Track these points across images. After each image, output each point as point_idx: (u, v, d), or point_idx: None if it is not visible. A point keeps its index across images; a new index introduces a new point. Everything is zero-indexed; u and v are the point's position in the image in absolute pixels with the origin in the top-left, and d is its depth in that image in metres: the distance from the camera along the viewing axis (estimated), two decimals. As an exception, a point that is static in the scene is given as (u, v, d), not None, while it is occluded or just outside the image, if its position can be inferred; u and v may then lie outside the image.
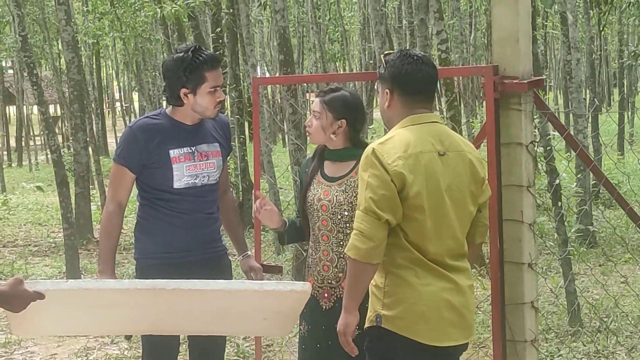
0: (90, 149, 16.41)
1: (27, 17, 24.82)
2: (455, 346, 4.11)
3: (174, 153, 4.98)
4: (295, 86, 13.68)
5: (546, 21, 24.09)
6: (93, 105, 27.15)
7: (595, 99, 20.13)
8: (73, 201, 12.62)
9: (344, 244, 4.50)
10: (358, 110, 4.79)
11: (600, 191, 13.81)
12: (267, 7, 22.13)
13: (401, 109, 4.13)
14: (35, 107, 36.02)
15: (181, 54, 4.95)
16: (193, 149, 5.04)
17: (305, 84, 24.57)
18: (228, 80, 15.51)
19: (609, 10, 19.47)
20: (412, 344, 4.00)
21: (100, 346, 8.40)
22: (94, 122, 25.60)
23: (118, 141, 5.20)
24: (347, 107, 4.76)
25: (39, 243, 14.82)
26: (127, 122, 43.16)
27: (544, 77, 5.53)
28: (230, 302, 4.19)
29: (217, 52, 15.11)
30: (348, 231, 4.52)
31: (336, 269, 4.67)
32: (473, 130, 19.50)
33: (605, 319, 8.29)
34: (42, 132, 34.21)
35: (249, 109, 16.88)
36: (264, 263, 5.69)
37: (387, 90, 4.15)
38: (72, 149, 15.13)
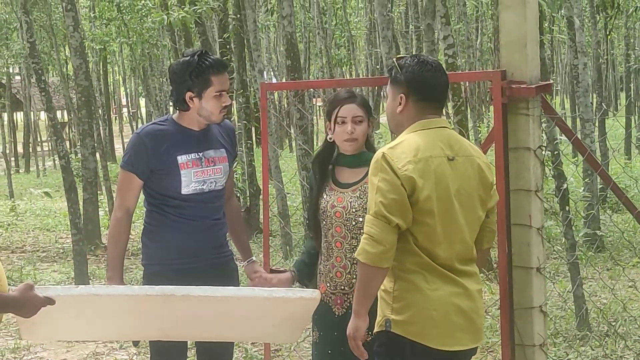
0: (98, 155, 16.44)
1: (35, 24, 24.88)
2: (465, 350, 4.12)
3: (181, 159, 4.99)
4: (302, 91, 13.70)
5: (553, 26, 24.08)
6: (100, 111, 27.17)
7: (602, 103, 20.12)
8: (81, 207, 12.64)
9: (358, 250, 4.51)
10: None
11: (608, 195, 13.82)
12: (274, 12, 22.19)
13: (414, 114, 4.14)
14: (42, 113, 36.09)
15: (187, 58, 4.97)
16: (200, 154, 5.04)
17: (312, 89, 24.58)
18: (235, 86, 15.54)
19: (616, 15, 19.47)
20: (422, 348, 4.00)
21: (109, 351, 8.41)
22: (101, 128, 25.60)
23: (125, 147, 5.20)
24: (369, 106, 4.79)
25: (47, 249, 14.84)
26: (134, 127, 43.22)
27: (552, 81, 5.52)
28: (239, 308, 4.20)
29: (225, 58, 15.15)
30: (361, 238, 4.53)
31: (349, 276, 4.67)
32: (480, 135, 19.51)
33: (613, 323, 8.28)
34: (49, 138, 34.30)
35: (256, 114, 16.93)
36: (273, 268, 5.69)
37: (402, 94, 4.15)
38: (79, 155, 15.14)
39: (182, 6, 13.89)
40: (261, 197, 7.54)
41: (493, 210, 4.28)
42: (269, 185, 6.64)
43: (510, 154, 4.71)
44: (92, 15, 24.62)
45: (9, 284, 3.84)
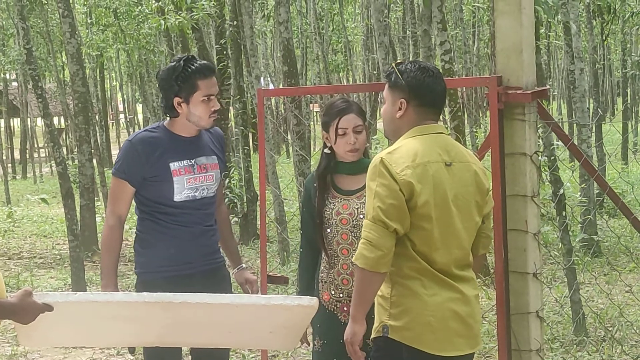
0: (95, 161, 16.43)
1: (32, 30, 24.88)
2: (462, 356, 4.12)
3: (174, 166, 4.98)
4: (299, 97, 13.71)
5: (549, 31, 24.13)
6: (97, 118, 27.18)
7: (598, 109, 20.10)
8: (78, 213, 12.64)
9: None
10: None
11: (605, 200, 13.83)
12: (271, 18, 22.21)
13: (413, 119, 4.15)
14: (39, 119, 36.09)
15: (174, 64, 4.97)
16: (192, 161, 5.04)
17: (309, 95, 24.59)
18: (232, 92, 15.55)
19: (612, 20, 19.52)
20: (419, 354, 4.01)
21: (106, 358, 8.41)
22: (98, 134, 25.61)
23: (117, 154, 5.19)
24: (365, 113, 4.80)
25: (44, 255, 14.83)
26: (132, 133, 43.12)
27: (548, 87, 5.53)
28: (237, 316, 4.20)
29: (221, 64, 15.17)
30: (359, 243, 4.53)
31: None
32: (477, 140, 19.53)
33: (610, 328, 8.29)
34: (46, 144, 34.29)
35: (253, 120, 16.93)
36: (270, 274, 5.70)
37: (402, 99, 4.16)
38: (77, 161, 15.14)
39: (179, 12, 13.90)
40: (258, 203, 7.55)
41: (489, 216, 4.30)
42: (266, 191, 6.66)
43: (507, 159, 4.72)
44: (89, 21, 24.63)
45: (6, 291, 3.84)
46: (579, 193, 12.39)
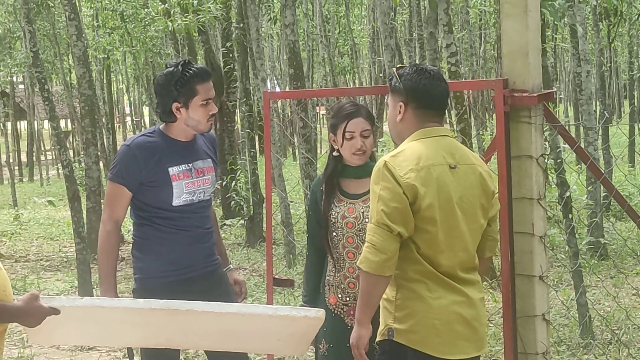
0: (101, 164, 16.45)
1: (38, 33, 24.94)
2: (467, 359, 4.12)
3: (172, 170, 4.99)
4: (305, 100, 13.71)
5: (556, 34, 24.09)
6: (104, 120, 27.22)
7: (605, 111, 20.08)
8: (84, 216, 12.64)
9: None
10: None
11: (611, 203, 13.80)
12: (277, 21, 22.22)
13: (414, 122, 4.15)
14: (46, 122, 36.13)
15: (171, 69, 4.97)
16: (190, 165, 5.05)
17: (315, 98, 24.60)
18: (238, 95, 15.56)
19: (619, 23, 19.49)
20: (424, 357, 4.01)
21: (112, 360, 8.42)
22: (104, 136, 25.66)
23: (113, 159, 5.18)
24: (373, 118, 4.81)
25: (50, 258, 14.85)
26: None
27: (554, 89, 5.52)
28: (244, 324, 4.21)
29: (228, 67, 15.18)
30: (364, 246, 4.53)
31: None
32: (483, 143, 19.52)
33: (616, 331, 8.27)
34: (53, 147, 34.31)
35: (260, 123, 16.93)
36: (276, 277, 5.70)
37: (401, 103, 4.17)
38: (83, 164, 15.15)
39: (186, 15, 13.92)
40: (264, 205, 7.55)
41: (494, 219, 4.30)
42: (272, 194, 6.65)
43: (513, 162, 4.71)
44: (95, 24, 24.65)
45: (13, 293, 3.85)
46: (586, 196, 12.38)
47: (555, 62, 28.17)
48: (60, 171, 23.59)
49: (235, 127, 17.38)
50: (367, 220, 4.61)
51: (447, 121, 23.06)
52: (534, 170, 4.69)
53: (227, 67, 15.80)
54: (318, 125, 33.93)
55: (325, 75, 25.71)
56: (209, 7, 13.72)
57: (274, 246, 9.66)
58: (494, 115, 4.94)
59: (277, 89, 25.91)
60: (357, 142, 4.72)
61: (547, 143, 8.47)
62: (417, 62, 20.24)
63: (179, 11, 14.65)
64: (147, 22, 19.89)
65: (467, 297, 4.08)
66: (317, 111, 30.57)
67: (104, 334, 4.29)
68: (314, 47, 30.51)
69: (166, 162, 4.98)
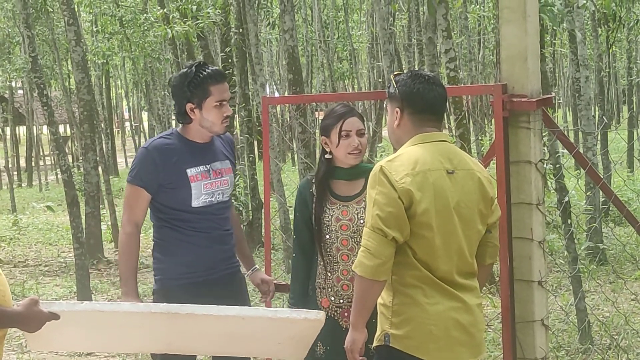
0: (100, 169, 16.45)
1: (37, 38, 24.95)
2: (465, 364, 4.12)
3: (191, 172, 5.00)
4: (304, 105, 13.71)
5: (555, 39, 24.12)
6: (103, 125, 27.24)
7: (604, 117, 20.09)
8: (83, 221, 12.64)
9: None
10: None
11: (610, 208, 13.79)
12: (276, 26, 22.23)
13: (411, 127, 4.15)
14: (44, 127, 36.13)
15: (186, 70, 5.01)
16: (208, 167, 5.07)
17: (314, 103, 24.61)
18: (237, 100, 15.55)
19: (617, 28, 19.48)
20: (421, 362, 4.01)
21: (111, 365, 8.41)
22: (103, 141, 25.67)
23: (132, 162, 5.20)
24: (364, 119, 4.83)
25: (49, 263, 14.84)
26: (137, 141, 43.23)
27: (553, 94, 5.53)
28: (244, 327, 4.21)
29: (227, 72, 15.15)
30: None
31: None
32: (482, 148, 19.51)
33: (615, 337, 8.27)
34: (52, 152, 34.35)
35: (259, 128, 16.93)
36: (275, 282, 5.70)
37: (397, 109, 4.17)
38: (82, 169, 15.15)
39: (185, 20, 13.92)
40: (263, 210, 7.55)
41: (495, 226, 4.28)
42: (271, 199, 6.64)
43: (512, 167, 4.71)
44: (94, 29, 24.69)
45: (12, 299, 3.85)
46: (585, 201, 12.37)
47: (554, 68, 28.20)
48: (59, 176, 23.61)
49: (234, 132, 17.37)
50: (361, 222, 4.64)
51: (446, 126, 23.09)
52: (532, 176, 4.69)
53: (226, 72, 15.79)
54: (317, 131, 33.91)
55: (324, 81, 25.74)
56: (208, 13, 13.73)
57: (272, 251, 9.64)
58: (493, 121, 4.94)
59: (276, 94, 25.94)
60: (353, 140, 4.73)
61: (546, 148, 8.47)
62: (416, 67, 20.25)
63: (178, 16, 14.64)
64: (146, 28, 19.89)
65: (464, 302, 4.07)
66: (316, 116, 30.55)
67: (104, 339, 4.29)
68: (313, 52, 30.55)
69: (184, 163, 5.00)
